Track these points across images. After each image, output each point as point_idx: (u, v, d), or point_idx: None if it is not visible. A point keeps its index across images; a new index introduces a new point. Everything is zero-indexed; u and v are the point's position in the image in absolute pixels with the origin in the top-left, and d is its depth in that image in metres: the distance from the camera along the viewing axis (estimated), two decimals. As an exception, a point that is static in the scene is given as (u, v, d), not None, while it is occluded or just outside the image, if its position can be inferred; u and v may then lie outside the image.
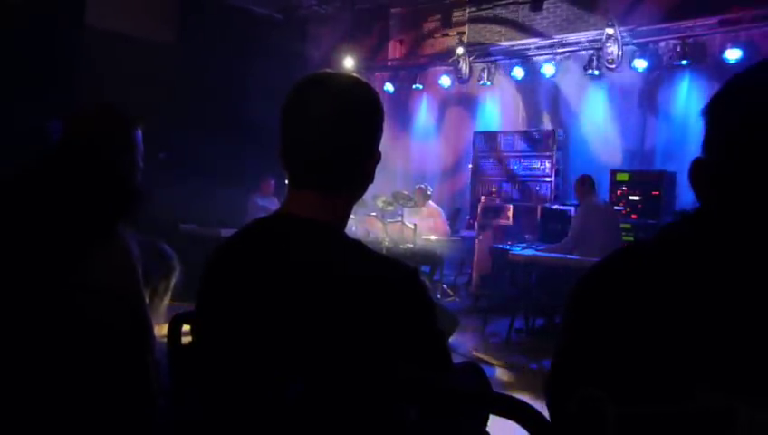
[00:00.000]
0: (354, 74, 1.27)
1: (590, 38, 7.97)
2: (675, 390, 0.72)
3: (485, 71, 8.89)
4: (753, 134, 0.79)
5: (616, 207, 7.01)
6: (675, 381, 0.72)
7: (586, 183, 6.17)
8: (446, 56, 9.30)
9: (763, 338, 0.71)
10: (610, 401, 0.71)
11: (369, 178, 1.24)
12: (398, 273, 1.13)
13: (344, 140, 1.17)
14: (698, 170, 0.86)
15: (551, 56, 8.38)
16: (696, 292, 0.77)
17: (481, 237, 7.47)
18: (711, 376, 0.71)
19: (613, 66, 7.61)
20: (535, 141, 8.39)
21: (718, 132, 0.85)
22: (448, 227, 8.19)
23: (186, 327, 1.34)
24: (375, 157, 1.23)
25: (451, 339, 5.58)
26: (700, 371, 0.72)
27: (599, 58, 7.75)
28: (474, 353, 5.46)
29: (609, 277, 0.89)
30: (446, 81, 9.17)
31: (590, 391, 0.73)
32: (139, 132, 1.79)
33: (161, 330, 1.52)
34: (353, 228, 7.51)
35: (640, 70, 7.57)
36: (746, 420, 0.66)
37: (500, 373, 4.90)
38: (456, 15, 9.40)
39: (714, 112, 0.87)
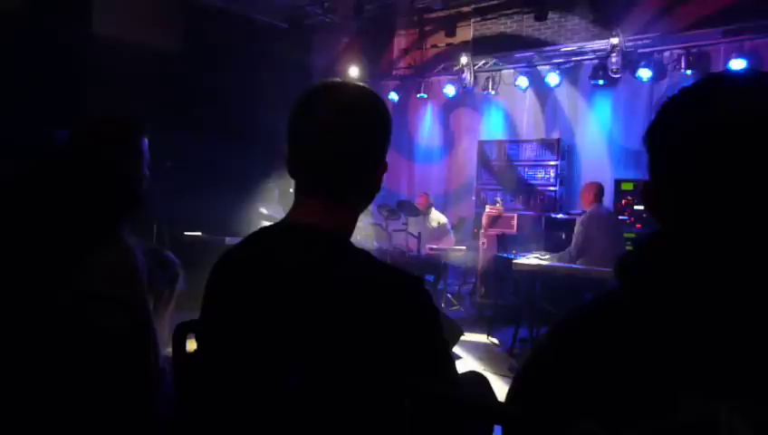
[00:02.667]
0: (362, 84, 1.27)
1: (595, 48, 7.98)
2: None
3: (490, 80, 8.91)
4: (722, 147, 0.75)
5: (621, 217, 6.99)
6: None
7: (593, 190, 6.13)
8: (450, 65, 9.32)
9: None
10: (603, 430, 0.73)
11: (375, 187, 1.24)
12: (402, 282, 1.13)
13: (351, 148, 1.17)
14: (653, 194, 0.84)
15: (555, 65, 8.40)
16: (669, 322, 0.78)
17: (485, 246, 7.45)
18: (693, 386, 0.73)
19: (618, 76, 7.62)
20: (540, 150, 8.39)
21: (677, 153, 0.81)
22: (452, 236, 8.18)
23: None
24: (382, 166, 1.23)
25: (455, 348, 5.56)
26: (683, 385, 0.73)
27: (603, 67, 7.75)
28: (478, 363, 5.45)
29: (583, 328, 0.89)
30: (450, 90, 9.19)
31: (588, 425, 0.74)
32: (146, 141, 1.80)
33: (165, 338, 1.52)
34: (357, 237, 7.51)
35: (645, 79, 7.57)
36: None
37: (504, 383, 4.87)
38: (461, 25, 9.42)
39: (663, 137, 0.84)
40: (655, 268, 0.82)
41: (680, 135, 0.80)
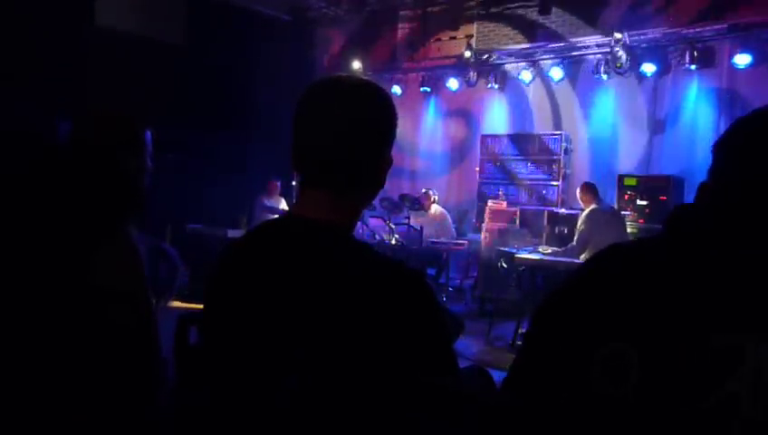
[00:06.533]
0: (367, 78, 1.27)
1: (599, 42, 7.95)
2: None
3: (493, 74, 8.89)
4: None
5: (624, 212, 6.98)
6: None
7: (589, 190, 6.20)
8: (453, 59, 9.30)
9: None
10: (635, 351, 0.84)
11: (379, 182, 1.24)
12: (403, 276, 1.13)
13: (356, 143, 1.17)
14: (703, 194, 0.98)
15: (559, 60, 8.37)
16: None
17: (487, 240, 7.45)
18: None
19: (621, 70, 7.60)
20: (543, 145, 8.37)
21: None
22: (454, 230, 8.18)
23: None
24: (387, 161, 1.23)
25: (456, 343, 5.56)
26: None
27: (607, 62, 7.73)
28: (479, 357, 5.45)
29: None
30: (453, 84, 9.17)
31: (619, 344, 0.85)
32: (148, 134, 1.79)
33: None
34: (360, 231, 7.51)
35: (649, 74, 7.55)
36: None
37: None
38: (465, 19, 9.39)
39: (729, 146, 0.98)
40: (700, 221, 0.95)
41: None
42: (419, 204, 7.73)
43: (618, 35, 7.44)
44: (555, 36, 8.47)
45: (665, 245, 0.96)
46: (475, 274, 7.85)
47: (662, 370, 0.83)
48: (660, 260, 0.93)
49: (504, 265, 6.82)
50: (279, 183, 8.32)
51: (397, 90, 9.58)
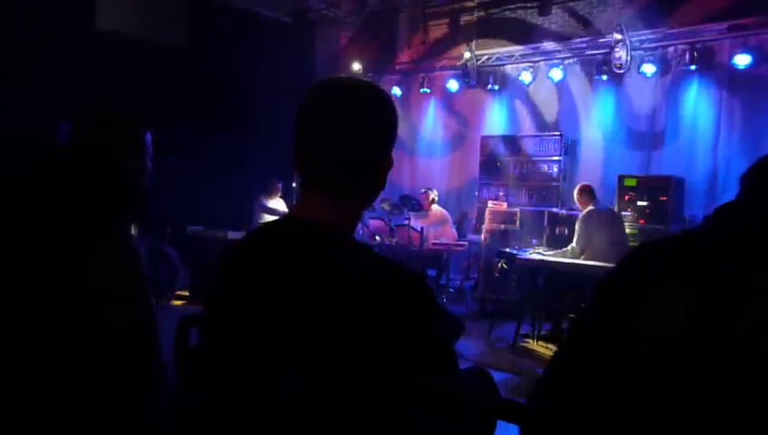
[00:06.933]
0: (368, 80, 1.27)
1: (599, 43, 7.95)
2: None
3: (493, 75, 8.89)
4: None
5: (624, 213, 6.98)
6: None
7: (586, 192, 6.20)
8: (453, 60, 9.30)
9: None
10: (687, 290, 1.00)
11: (380, 184, 1.24)
12: (403, 277, 1.13)
13: (357, 145, 1.17)
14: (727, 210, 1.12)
15: (558, 61, 8.37)
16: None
17: (487, 241, 7.45)
18: None
19: (621, 71, 7.60)
20: (543, 146, 8.36)
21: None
22: (455, 231, 8.17)
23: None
24: (387, 162, 1.23)
25: (456, 344, 5.56)
26: None
27: (607, 63, 7.73)
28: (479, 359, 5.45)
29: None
30: (453, 85, 9.17)
31: (674, 288, 1.02)
32: (148, 135, 1.79)
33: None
34: (360, 232, 7.51)
35: (648, 75, 7.54)
36: None
37: (506, 379, 4.88)
38: (465, 20, 9.40)
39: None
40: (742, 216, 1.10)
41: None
42: (419, 205, 7.72)
43: (617, 36, 7.44)
44: (555, 37, 8.47)
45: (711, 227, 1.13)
46: (476, 275, 7.84)
47: (708, 306, 0.98)
48: (710, 231, 1.11)
49: (505, 266, 6.82)
50: (280, 184, 8.32)
51: (397, 91, 9.58)
